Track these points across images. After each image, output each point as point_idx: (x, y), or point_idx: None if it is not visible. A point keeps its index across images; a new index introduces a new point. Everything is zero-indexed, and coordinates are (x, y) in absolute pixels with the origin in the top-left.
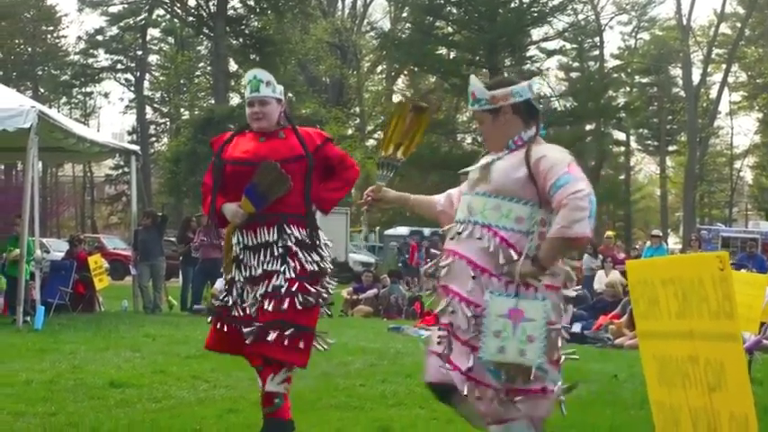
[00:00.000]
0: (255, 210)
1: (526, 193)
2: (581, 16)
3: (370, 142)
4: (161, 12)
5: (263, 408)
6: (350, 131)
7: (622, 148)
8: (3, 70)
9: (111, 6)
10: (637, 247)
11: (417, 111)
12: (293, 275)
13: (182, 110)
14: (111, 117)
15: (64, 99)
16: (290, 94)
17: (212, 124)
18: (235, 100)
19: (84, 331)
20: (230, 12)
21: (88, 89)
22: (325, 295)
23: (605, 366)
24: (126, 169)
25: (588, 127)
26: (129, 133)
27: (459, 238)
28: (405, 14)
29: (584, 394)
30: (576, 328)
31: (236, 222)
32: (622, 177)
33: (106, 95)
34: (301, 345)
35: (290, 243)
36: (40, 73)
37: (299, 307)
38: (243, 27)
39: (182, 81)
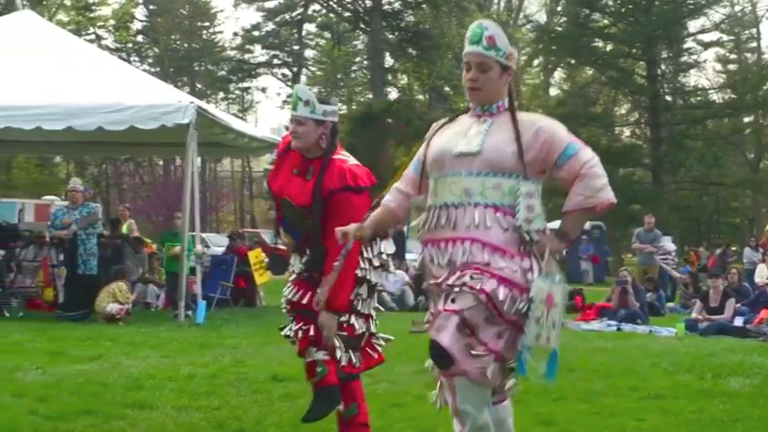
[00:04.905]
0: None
1: (518, 166)
2: (737, 8)
3: None
4: (317, 7)
5: (309, 379)
6: None
7: None
8: (160, 66)
9: (267, 2)
10: None
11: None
12: None
13: (339, 104)
14: (268, 112)
15: (221, 94)
16: (446, 88)
17: (370, 119)
18: (392, 94)
19: (245, 326)
20: (386, 6)
21: (245, 84)
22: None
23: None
24: None
25: (746, 119)
26: (287, 128)
27: (458, 223)
28: (560, 7)
29: (747, 388)
30: (738, 321)
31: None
32: None
33: (263, 90)
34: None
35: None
36: (196, 68)
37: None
38: (399, 21)
39: (338, 76)
